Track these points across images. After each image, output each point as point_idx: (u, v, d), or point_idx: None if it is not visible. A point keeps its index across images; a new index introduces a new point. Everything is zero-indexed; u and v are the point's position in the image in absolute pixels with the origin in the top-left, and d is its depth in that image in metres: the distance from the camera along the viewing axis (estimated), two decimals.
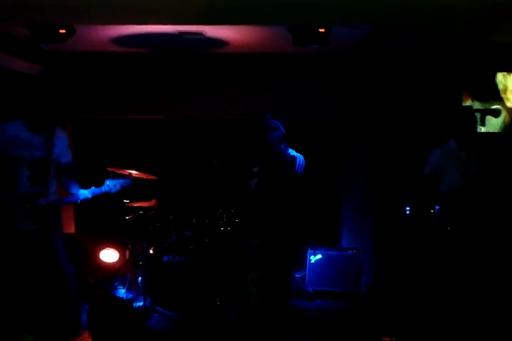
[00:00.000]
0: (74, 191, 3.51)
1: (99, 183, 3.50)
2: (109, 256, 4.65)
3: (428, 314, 3.80)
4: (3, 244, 3.42)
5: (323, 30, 3.47)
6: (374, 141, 5.11)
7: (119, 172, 4.29)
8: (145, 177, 4.48)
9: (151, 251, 4.30)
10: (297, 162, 3.39)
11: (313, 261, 4.82)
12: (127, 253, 4.49)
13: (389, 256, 4.73)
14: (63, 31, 3.39)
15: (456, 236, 3.74)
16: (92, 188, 3.48)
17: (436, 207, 3.83)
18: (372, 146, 5.13)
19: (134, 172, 4.36)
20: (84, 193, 3.46)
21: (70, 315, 3.58)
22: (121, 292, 4.39)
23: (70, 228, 5.24)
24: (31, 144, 3.42)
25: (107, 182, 3.49)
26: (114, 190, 3.51)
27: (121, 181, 3.53)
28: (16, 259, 3.42)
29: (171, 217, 4.49)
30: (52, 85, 3.62)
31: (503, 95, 4.35)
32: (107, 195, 3.51)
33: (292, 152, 3.43)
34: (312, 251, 4.83)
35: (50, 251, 3.48)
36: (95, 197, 3.50)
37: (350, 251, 4.87)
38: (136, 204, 4.46)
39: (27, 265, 3.45)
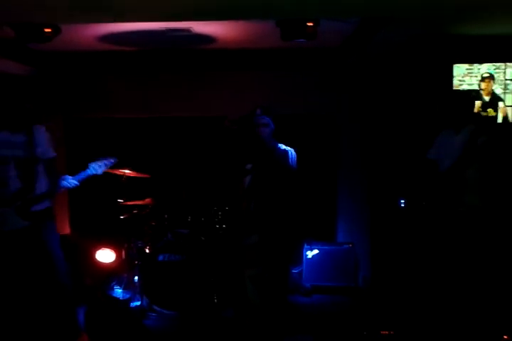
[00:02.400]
0: (63, 182, 3.54)
1: (83, 168, 3.53)
2: (105, 256, 4.64)
3: (426, 307, 3.79)
4: None
5: (311, 24, 3.45)
6: (368, 133, 5.10)
7: (112, 171, 4.29)
8: (138, 175, 4.46)
9: (146, 250, 4.29)
10: (289, 156, 3.39)
11: (309, 257, 4.81)
12: (123, 252, 4.47)
13: (386, 249, 4.72)
14: (48, 30, 3.36)
15: (454, 227, 3.72)
16: (79, 174, 3.51)
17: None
18: (367, 139, 5.12)
19: (127, 171, 4.35)
20: (71, 181, 3.49)
21: (66, 316, 3.55)
22: (118, 292, 4.37)
23: (65, 229, 5.23)
24: (13, 144, 3.41)
25: (92, 165, 3.53)
26: (100, 170, 3.53)
27: (104, 161, 3.56)
28: (8, 260, 3.41)
29: (166, 216, 4.47)
30: (32, 84, 3.59)
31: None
32: (95, 177, 3.54)
33: (282, 146, 3.42)
34: (309, 247, 4.83)
35: (43, 249, 3.46)
36: (84, 181, 3.52)
37: (346, 246, 4.87)
38: (130, 203, 4.45)
39: (20, 265, 3.43)
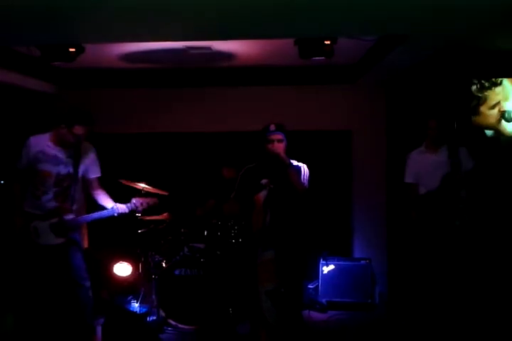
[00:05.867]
0: (107, 204, 3.55)
1: (126, 200, 3.56)
2: (122, 269, 4.68)
3: (443, 324, 3.75)
4: (26, 258, 3.48)
5: (328, 42, 3.50)
6: (384, 149, 5.12)
7: (130, 184, 4.36)
8: (156, 192, 4.51)
9: (163, 265, 4.32)
10: (302, 172, 3.42)
11: (325, 272, 4.80)
12: (140, 266, 4.50)
13: (403, 265, 4.68)
14: (73, 50, 3.46)
15: (470, 243, 3.71)
16: (128, 204, 3.53)
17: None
18: (383, 155, 5.13)
19: (145, 186, 4.40)
20: (122, 208, 3.50)
21: (84, 330, 3.60)
22: (135, 306, 4.40)
23: (83, 243, 5.29)
24: (58, 160, 3.44)
25: (133, 200, 3.54)
26: (140, 208, 3.54)
27: (147, 200, 3.58)
28: (36, 273, 3.47)
29: (182, 230, 4.50)
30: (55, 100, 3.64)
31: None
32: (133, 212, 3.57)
33: (294, 162, 3.45)
34: (324, 262, 4.82)
35: (68, 264, 3.52)
36: (120, 216, 3.54)
37: (363, 261, 4.84)
38: (147, 218, 4.50)
39: (46, 279, 3.49)
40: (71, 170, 3.44)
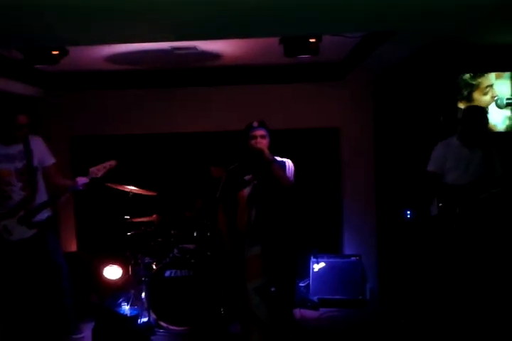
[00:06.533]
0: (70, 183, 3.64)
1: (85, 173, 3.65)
2: (112, 272, 4.65)
3: (434, 320, 3.78)
4: (3, 256, 3.53)
5: (313, 40, 3.50)
6: (373, 145, 5.13)
7: (118, 188, 4.33)
8: (144, 193, 4.49)
9: (153, 266, 4.30)
10: (286, 167, 3.44)
11: (316, 270, 4.81)
12: (130, 269, 4.48)
13: (393, 261, 4.71)
14: (56, 52, 3.42)
15: (460, 238, 3.73)
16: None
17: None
18: (371, 151, 5.14)
19: (133, 188, 4.38)
20: (82, 179, 3.59)
21: (63, 313, 3.69)
22: (126, 308, 4.37)
23: (72, 246, 5.25)
24: (11, 156, 3.52)
25: (91, 169, 3.64)
26: (99, 173, 3.65)
27: (103, 164, 3.69)
28: (18, 268, 3.53)
29: (172, 232, 4.49)
30: (39, 103, 3.69)
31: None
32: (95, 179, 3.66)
33: (278, 158, 3.46)
34: (315, 259, 4.83)
35: (48, 258, 3.60)
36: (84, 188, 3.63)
37: (353, 258, 4.86)
38: (137, 220, 4.48)
39: (27, 272, 3.56)
40: (26, 162, 3.53)
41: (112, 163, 3.72)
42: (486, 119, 3.95)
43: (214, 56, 4.41)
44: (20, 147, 3.53)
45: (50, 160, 3.68)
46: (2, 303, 3.61)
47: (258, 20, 2.99)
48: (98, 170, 3.63)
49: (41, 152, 3.62)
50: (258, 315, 3.27)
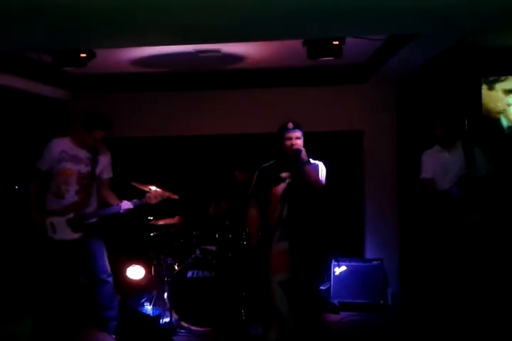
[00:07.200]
0: (115, 202, 3.74)
1: (140, 196, 3.78)
2: (135, 272, 4.70)
3: (458, 329, 3.70)
4: (42, 254, 3.66)
5: (337, 42, 3.50)
6: (396, 149, 5.09)
7: (142, 187, 4.38)
8: (168, 195, 4.52)
9: (176, 267, 4.34)
10: (319, 169, 3.49)
11: (337, 273, 4.79)
12: (153, 269, 4.53)
13: (415, 266, 4.65)
14: (84, 55, 3.50)
15: (485, 242, 3.66)
16: (134, 200, 3.73)
17: None
18: (395, 155, 5.10)
19: (156, 189, 4.42)
20: (127, 204, 3.70)
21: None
22: (148, 308, 4.41)
23: None
24: (79, 159, 3.67)
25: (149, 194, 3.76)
26: (154, 201, 3.74)
27: (159, 193, 3.80)
28: (52, 270, 3.64)
29: (194, 233, 4.52)
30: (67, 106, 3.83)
31: None
32: (148, 206, 3.76)
33: (311, 160, 3.50)
34: (336, 263, 4.80)
35: (90, 260, 3.71)
36: (137, 208, 3.75)
37: (375, 262, 4.82)
38: (160, 222, 4.52)
39: (62, 276, 3.68)
40: (90, 169, 3.67)
41: (174, 196, 3.86)
42: (459, 121, 3.92)
43: (237, 59, 4.45)
44: (89, 154, 3.69)
45: (109, 174, 3.84)
46: (36, 300, 3.72)
47: (282, 23, 3.01)
48: (155, 198, 3.73)
49: (105, 164, 3.79)
50: (279, 308, 3.28)
